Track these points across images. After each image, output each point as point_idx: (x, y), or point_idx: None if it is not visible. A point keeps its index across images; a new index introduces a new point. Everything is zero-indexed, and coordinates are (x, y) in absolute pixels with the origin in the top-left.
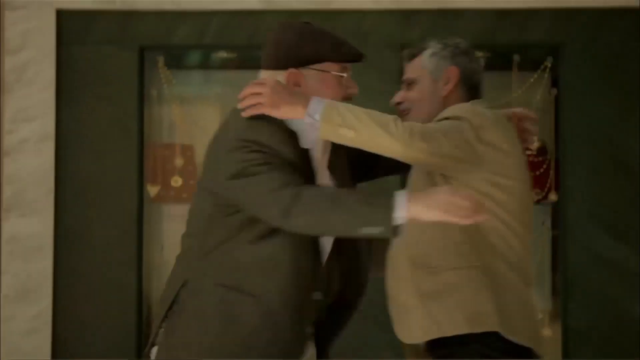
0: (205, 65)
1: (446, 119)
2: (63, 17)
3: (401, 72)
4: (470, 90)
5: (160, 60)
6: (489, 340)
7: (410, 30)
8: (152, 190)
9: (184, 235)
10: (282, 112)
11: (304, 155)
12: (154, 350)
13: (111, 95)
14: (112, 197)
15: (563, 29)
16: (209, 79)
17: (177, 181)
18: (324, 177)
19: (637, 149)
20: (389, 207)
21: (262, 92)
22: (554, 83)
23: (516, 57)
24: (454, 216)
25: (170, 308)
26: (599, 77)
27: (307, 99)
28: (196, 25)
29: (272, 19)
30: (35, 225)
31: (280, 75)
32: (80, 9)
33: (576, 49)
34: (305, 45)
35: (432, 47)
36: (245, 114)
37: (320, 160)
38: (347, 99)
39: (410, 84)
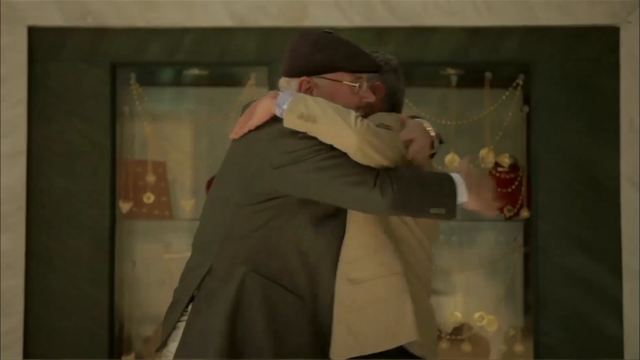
0: (177, 82)
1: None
2: (34, 34)
3: None
4: (390, 107)
5: (133, 77)
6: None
7: (382, 48)
8: (124, 206)
9: (200, 228)
10: (258, 115)
11: None
12: (171, 347)
13: (83, 112)
14: (84, 214)
15: (535, 47)
16: (181, 96)
17: (149, 197)
18: None
19: (609, 165)
20: (453, 191)
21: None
22: (526, 100)
23: (488, 75)
24: (492, 212)
25: (193, 297)
26: (571, 95)
27: (278, 93)
28: (168, 43)
29: (244, 36)
30: (6, 242)
31: (294, 83)
32: (51, 26)
33: (548, 66)
34: (318, 54)
35: None
36: (233, 136)
37: None
38: (363, 107)
39: None
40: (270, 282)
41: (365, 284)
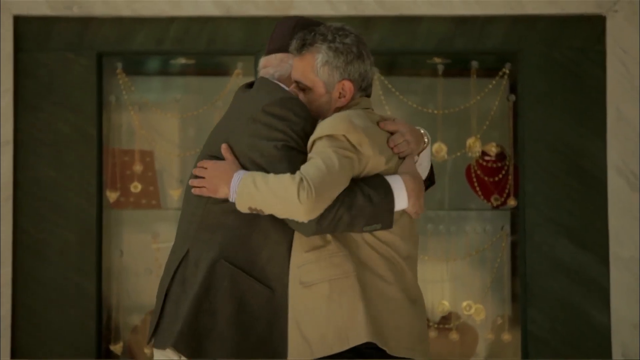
0: (164, 71)
1: (327, 135)
2: (20, 23)
3: None
4: (364, 91)
5: (119, 66)
6: (363, 352)
7: (368, 37)
8: (112, 196)
9: (181, 213)
10: (220, 194)
11: None
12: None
13: (70, 101)
14: (71, 203)
15: (521, 36)
16: (168, 85)
17: (136, 187)
18: None
19: (596, 154)
20: (391, 205)
21: (204, 176)
22: (512, 89)
23: (474, 64)
24: (418, 212)
25: (172, 281)
26: (557, 84)
27: (230, 178)
28: (154, 32)
29: (230, 26)
30: None
31: (292, 58)
32: (37, 15)
33: (534, 55)
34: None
35: (324, 53)
36: (195, 192)
37: None
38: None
39: (304, 88)
40: (239, 271)
41: (316, 286)
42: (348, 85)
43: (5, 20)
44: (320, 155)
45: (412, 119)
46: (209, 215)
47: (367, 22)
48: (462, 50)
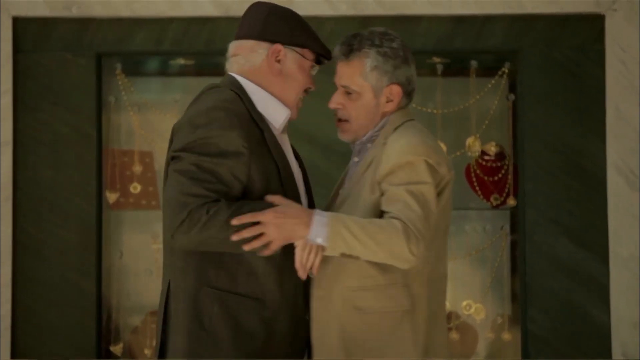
0: (163, 72)
1: (407, 162)
2: (19, 24)
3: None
4: (409, 97)
5: (118, 67)
6: None
7: None
8: (111, 196)
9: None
10: (296, 238)
11: (271, 140)
12: None
13: (69, 102)
14: (71, 204)
15: (520, 35)
16: (167, 86)
17: (136, 188)
18: (292, 160)
19: (595, 153)
20: None
21: (265, 231)
22: (512, 88)
23: (474, 63)
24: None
25: (165, 314)
26: (556, 83)
27: (309, 220)
28: (153, 32)
29: (229, 26)
30: None
31: (263, 47)
32: (36, 16)
33: (533, 54)
34: (295, 26)
35: (373, 58)
36: (248, 248)
37: (286, 144)
38: (306, 92)
39: (350, 93)
40: (225, 293)
41: (373, 315)
42: (396, 90)
43: (4, 21)
44: (410, 194)
45: None
46: None
47: (366, 21)
48: (461, 50)
